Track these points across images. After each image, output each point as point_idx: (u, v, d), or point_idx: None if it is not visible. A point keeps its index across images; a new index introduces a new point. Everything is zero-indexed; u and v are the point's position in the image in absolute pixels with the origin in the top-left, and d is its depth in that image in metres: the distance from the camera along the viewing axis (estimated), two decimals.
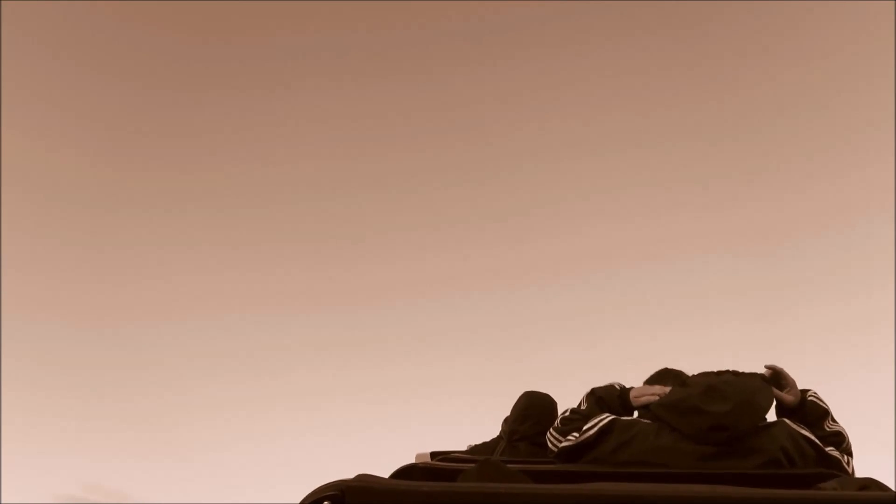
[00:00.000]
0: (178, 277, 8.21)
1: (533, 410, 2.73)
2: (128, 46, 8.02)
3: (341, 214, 8.34)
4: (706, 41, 7.74)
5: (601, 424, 1.73)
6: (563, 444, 1.81)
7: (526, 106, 8.25)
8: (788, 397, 1.82)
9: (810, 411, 1.82)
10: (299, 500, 0.97)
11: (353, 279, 8.20)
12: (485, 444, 2.88)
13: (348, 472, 1.00)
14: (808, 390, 1.88)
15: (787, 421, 1.70)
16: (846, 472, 1.64)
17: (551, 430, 1.93)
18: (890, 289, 5.94)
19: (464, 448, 2.88)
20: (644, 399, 1.86)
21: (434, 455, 2.33)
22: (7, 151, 7.33)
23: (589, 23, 7.88)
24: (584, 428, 1.76)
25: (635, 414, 1.89)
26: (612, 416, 1.76)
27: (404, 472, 1.56)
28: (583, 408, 1.90)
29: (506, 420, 2.87)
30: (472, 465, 1.20)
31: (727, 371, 1.72)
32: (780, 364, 1.89)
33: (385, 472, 1.66)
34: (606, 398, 1.90)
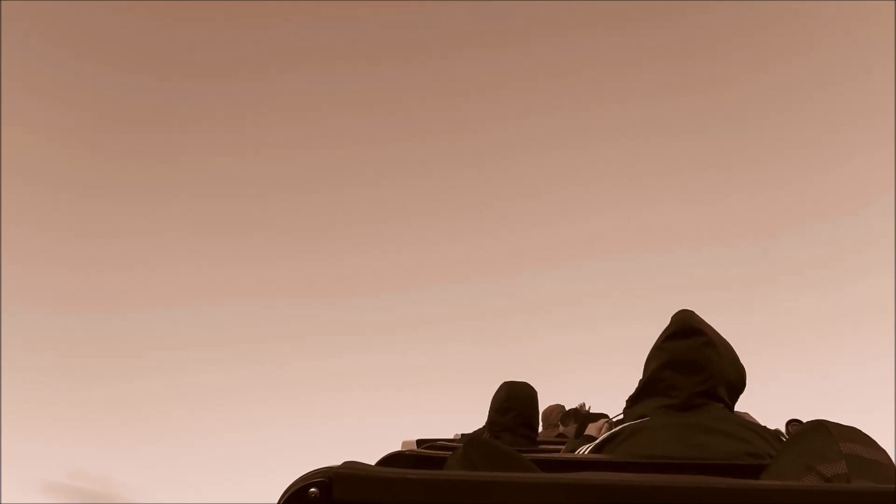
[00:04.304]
0: (169, 266, 8.16)
1: (515, 402, 2.72)
2: (124, 36, 7.94)
3: (328, 205, 8.31)
4: (698, 32, 7.74)
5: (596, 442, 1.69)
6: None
7: (513, 96, 8.25)
8: None
9: None
10: (286, 487, 0.95)
11: (342, 268, 8.18)
12: (471, 435, 2.88)
13: (337, 460, 0.99)
14: None
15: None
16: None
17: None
18: (890, 279, 5.96)
19: (450, 437, 2.88)
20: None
21: (420, 443, 2.32)
22: (2, 141, 7.25)
23: (582, 15, 7.87)
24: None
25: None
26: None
27: (390, 460, 1.55)
28: None
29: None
30: (460, 446, 1.18)
31: None
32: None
33: (373, 459, 1.65)
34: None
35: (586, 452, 1.66)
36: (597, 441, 1.67)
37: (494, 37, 8.06)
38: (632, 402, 1.75)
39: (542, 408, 3.00)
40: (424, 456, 1.56)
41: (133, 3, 7.76)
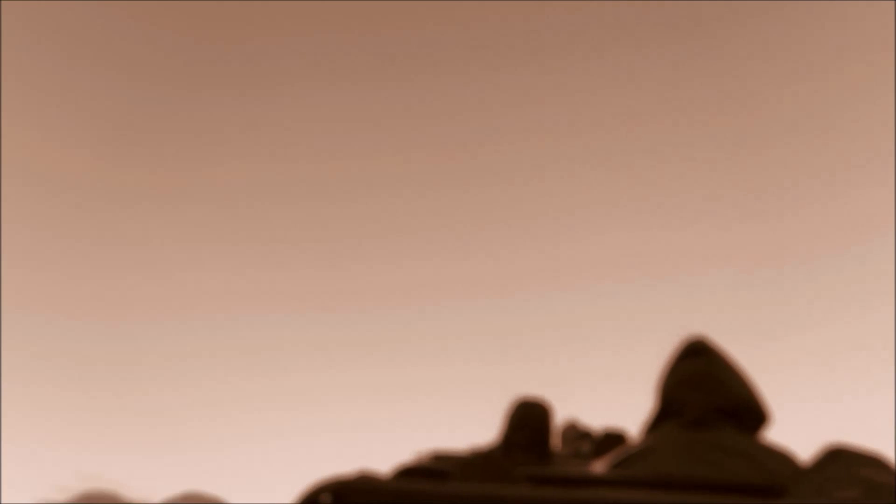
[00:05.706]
0: (180, 275, 8.28)
1: (531, 420, 2.74)
2: (135, 46, 8.10)
3: (345, 218, 8.39)
4: (719, 60, 7.72)
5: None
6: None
7: (533, 116, 8.28)
8: None
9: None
10: (298, 494, 0.98)
11: (358, 282, 8.24)
12: (483, 449, 2.90)
13: (349, 470, 1.01)
14: None
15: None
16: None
17: None
18: (890, 310, 5.91)
19: (465, 449, 2.88)
20: None
21: (434, 455, 2.33)
22: (11, 148, 7.41)
23: (605, 38, 7.89)
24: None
25: None
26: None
27: (405, 471, 1.57)
28: None
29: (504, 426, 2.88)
30: (474, 461, 1.20)
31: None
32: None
33: (386, 470, 1.67)
34: None
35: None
36: (611, 460, 1.68)
37: (517, 59, 8.12)
38: (650, 426, 1.76)
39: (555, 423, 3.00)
40: (437, 468, 1.58)
41: (152, 13, 7.90)
